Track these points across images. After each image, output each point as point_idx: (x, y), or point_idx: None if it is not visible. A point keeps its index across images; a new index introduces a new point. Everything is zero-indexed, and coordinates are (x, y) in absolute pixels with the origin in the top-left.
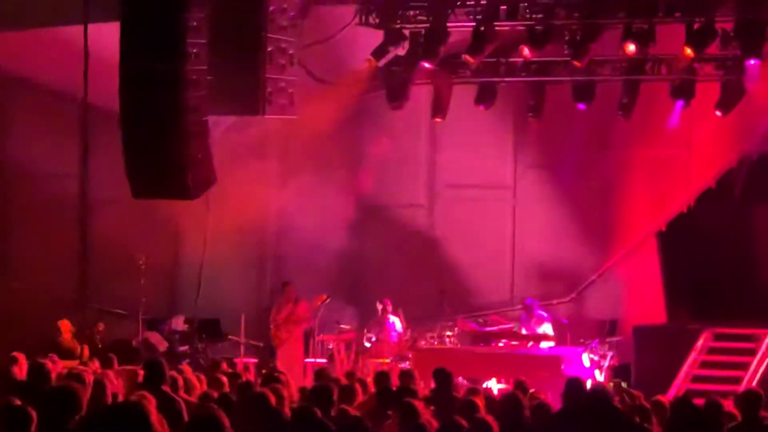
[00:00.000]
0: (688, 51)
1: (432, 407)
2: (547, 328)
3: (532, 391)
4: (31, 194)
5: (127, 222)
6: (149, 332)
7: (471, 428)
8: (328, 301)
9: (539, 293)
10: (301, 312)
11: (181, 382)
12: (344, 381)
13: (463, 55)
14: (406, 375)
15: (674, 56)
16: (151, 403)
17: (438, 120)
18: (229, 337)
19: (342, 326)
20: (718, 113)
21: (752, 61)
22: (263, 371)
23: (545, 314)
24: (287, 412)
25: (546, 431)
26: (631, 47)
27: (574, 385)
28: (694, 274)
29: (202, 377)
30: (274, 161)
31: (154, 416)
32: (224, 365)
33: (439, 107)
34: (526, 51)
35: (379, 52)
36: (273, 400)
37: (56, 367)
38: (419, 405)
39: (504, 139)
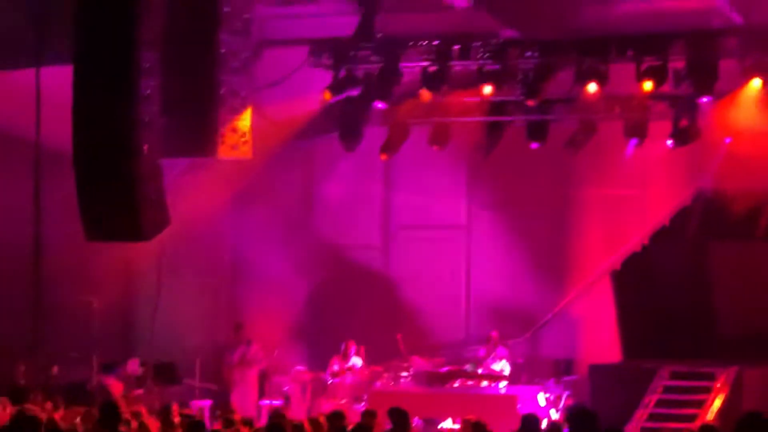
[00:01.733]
0: (647, 85)
1: None
2: (504, 366)
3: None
4: None
5: (80, 264)
6: (104, 375)
7: None
8: (278, 352)
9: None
10: (254, 353)
11: (135, 424)
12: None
13: (420, 92)
14: (368, 415)
15: (628, 95)
16: None
17: (384, 158)
18: (184, 380)
19: (297, 368)
20: (669, 143)
21: (704, 99)
22: (218, 413)
23: (505, 350)
24: None
25: None
26: (593, 86)
27: (530, 422)
28: (649, 312)
29: (157, 420)
30: (229, 202)
31: None
32: (175, 408)
33: (389, 146)
34: (486, 89)
35: (333, 89)
36: None
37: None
38: None
39: (458, 179)
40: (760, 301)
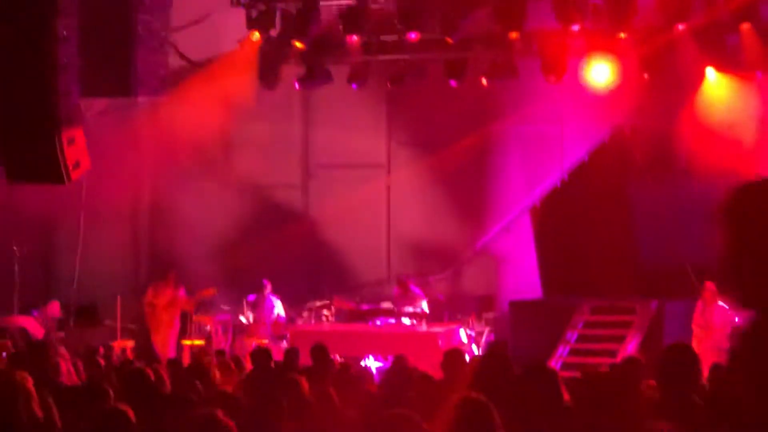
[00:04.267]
0: (564, 21)
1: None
2: (423, 306)
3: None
4: None
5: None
6: (25, 318)
7: (352, 399)
8: (214, 295)
9: (416, 270)
10: (182, 298)
11: (62, 367)
12: (221, 359)
13: (338, 30)
14: (291, 353)
15: (546, 32)
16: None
17: (300, 90)
18: (106, 322)
19: (221, 307)
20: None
21: (622, 35)
22: (140, 353)
23: (419, 291)
24: (167, 388)
25: (431, 400)
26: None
27: (453, 357)
28: (569, 248)
29: (80, 362)
30: (149, 144)
31: (34, 396)
32: (101, 349)
33: (307, 83)
34: (405, 28)
35: (253, 27)
36: (152, 377)
37: None
38: (302, 380)
39: (377, 118)
40: (678, 234)
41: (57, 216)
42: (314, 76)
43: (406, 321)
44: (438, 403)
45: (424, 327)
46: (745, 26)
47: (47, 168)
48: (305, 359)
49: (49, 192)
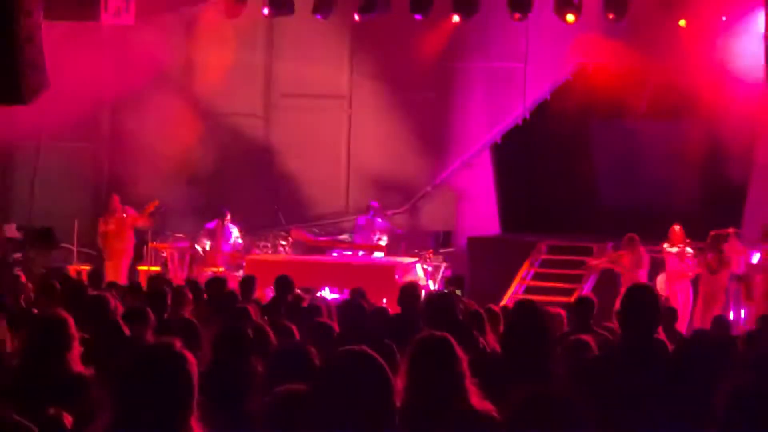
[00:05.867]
0: None
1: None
2: (383, 238)
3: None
4: None
5: None
6: None
7: (312, 331)
8: (160, 206)
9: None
10: (131, 218)
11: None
12: (176, 287)
13: None
14: (247, 280)
15: None
16: None
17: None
18: (62, 245)
19: (177, 234)
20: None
21: None
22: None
23: (384, 223)
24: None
25: (385, 333)
26: None
27: (409, 291)
28: (529, 186)
29: (33, 284)
30: (110, 68)
31: None
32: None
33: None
34: None
35: None
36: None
37: None
38: (252, 309)
39: (341, 49)
40: (637, 176)
41: (15, 138)
42: (279, 4)
43: (362, 253)
44: (393, 338)
45: (381, 260)
46: None
47: (7, 88)
48: (262, 289)
49: (8, 114)
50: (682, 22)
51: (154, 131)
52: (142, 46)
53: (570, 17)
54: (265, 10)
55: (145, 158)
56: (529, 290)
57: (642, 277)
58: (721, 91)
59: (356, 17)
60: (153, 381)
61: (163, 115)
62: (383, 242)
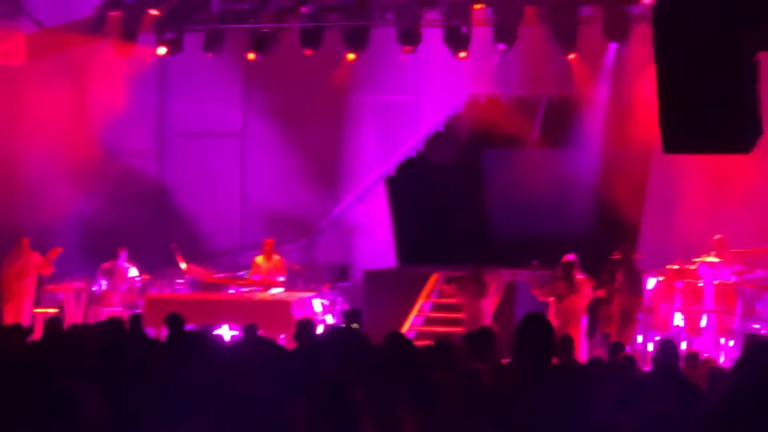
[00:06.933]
0: None
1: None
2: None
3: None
4: None
5: None
6: None
7: (201, 370)
8: (61, 251)
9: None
10: (36, 262)
11: None
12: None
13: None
14: (134, 320)
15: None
16: None
17: (161, 55)
18: None
19: (71, 276)
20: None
21: (477, 6)
22: None
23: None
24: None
25: (281, 369)
26: None
27: (305, 326)
28: (424, 218)
29: None
30: (1, 109)
31: None
32: None
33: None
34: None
35: None
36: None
37: None
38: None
39: (233, 86)
40: (530, 206)
41: None
42: (169, 43)
43: (258, 290)
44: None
45: (278, 295)
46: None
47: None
48: (159, 328)
49: None
50: (571, 56)
51: (49, 172)
52: (32, 86)
53: (462, 54)
54: (161, 50)
55: (40, 198)
56: (428, 321)
57: (577, 303)
58: (614, 118)
59: (248, 56)
60: None
61: (55, 154)
62: (281, 278)
